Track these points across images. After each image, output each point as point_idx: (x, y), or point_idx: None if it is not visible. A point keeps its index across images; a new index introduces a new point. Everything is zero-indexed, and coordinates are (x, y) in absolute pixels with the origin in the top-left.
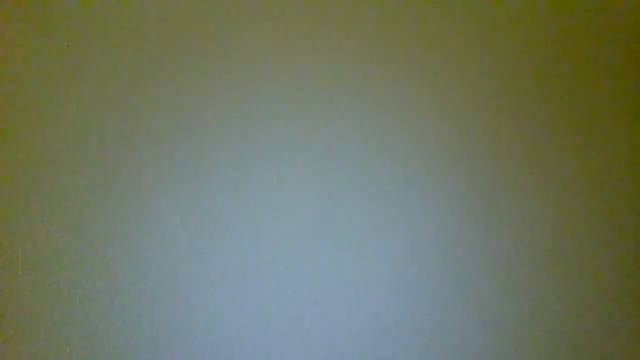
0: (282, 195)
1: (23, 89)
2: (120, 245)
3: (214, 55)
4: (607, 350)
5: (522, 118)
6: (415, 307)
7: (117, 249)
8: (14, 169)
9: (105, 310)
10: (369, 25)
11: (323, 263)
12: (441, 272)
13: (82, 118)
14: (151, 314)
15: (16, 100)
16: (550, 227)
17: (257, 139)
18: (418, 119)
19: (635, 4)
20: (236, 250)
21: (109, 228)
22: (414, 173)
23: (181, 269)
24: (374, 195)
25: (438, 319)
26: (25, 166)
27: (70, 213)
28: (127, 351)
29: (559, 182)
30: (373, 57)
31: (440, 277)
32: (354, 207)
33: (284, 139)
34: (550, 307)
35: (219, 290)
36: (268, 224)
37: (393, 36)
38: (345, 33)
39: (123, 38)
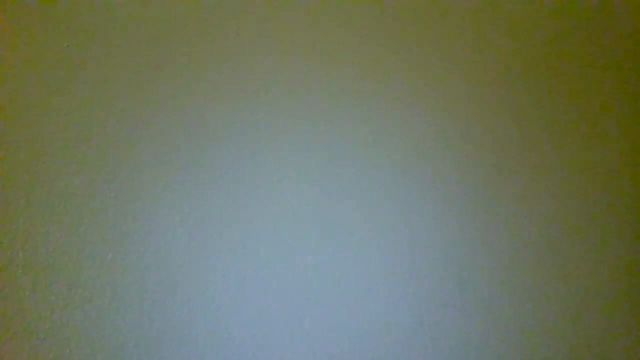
0: (282, 195)
1: (23, 89)
2: (120, 245)
3: (213, 56)
4: (607, 350)
5: (522, 118)
6: (416, 306)
7: (117, 249)
8: (14, 169)
9: (105, 310)
10: (369, 25)
11: (323, 263)
12: (441, 272)
13: (82, 118)
14: (151, 314)
15: (16, 100)
16: (550, 227)
17: (257, 139)
18: (418, 119)
19: (635, 4)
20: (236, 250)
21: (109, 228)
22: (414, 173)
23: (181, 269)
24: (374, 195)
25: (438, 319)
26: (25, 166)
27: (70, 213)
28: (127, 351)
29: (559, 182)
30: (373, 58)
31: (440, 277)
32: (354, 207)
33: (284, 139)
34: (550, 307)
35: (219, 290)
36: (268, 224)
37: (393, 37)
38: (345, 34)
39: (123, 38)
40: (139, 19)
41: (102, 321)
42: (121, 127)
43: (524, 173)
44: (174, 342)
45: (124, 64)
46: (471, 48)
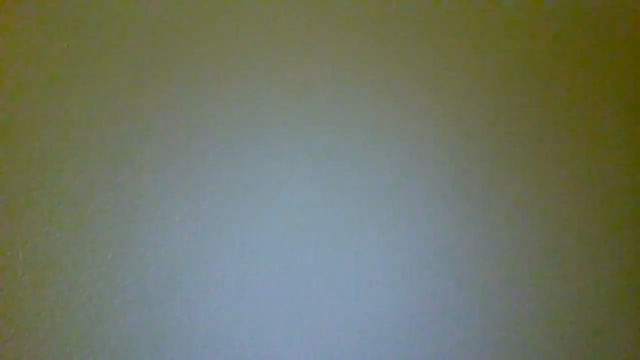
0: (282, 195)
1: (23, 89)
2: (120, 245)
3: (214, 56)
4: (607, 350)
5: (522, 118)
6: (415, 307)
7: (117, 249)
8: (14, 169)
9: (105, 310)
10: (368, 26)
11: (323, 263)
12: (441, 272)
13: (82, 118)
14: (151, 314)
15: (16, 100)
16: (550, 227)
17: (256, 139)
18: (418, 119)
19: (635, 4)
20: (236, 250)
21: (109, 228)
22: (414, 173)
23: (181, 269)
24: (373, 195)
25: (438, 319)
26: (25, 166)
27: (70, 213)
28: (127, 351)
29: (558, 181)
30: (372, 58)
31: (440, 277)
32: (354, 208)
33: (284, 139)
34: (550, 307)
35: (219, 290)
36: (268, 224)
37: (392, 37)
38: (344, 34)
39: (123, 38)
40: (139, 19)
41: (102, 321)
42: (121, 127)
43: (524, 173)
44: (174, 342)
45: (124, 63)
46: (471, 48)
